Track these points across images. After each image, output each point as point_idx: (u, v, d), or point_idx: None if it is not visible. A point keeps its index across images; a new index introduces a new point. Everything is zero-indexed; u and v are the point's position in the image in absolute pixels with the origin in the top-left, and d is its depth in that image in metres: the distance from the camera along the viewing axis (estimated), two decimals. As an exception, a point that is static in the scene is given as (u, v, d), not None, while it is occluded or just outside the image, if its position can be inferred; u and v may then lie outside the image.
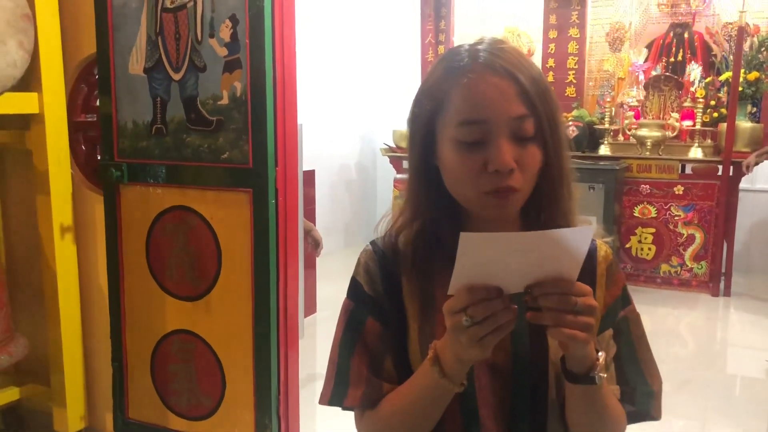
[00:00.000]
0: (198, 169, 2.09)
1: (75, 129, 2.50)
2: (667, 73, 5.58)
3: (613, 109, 5.65)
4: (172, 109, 2.11)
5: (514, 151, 0.85)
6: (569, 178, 0.92)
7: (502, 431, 0.94)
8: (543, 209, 0.93)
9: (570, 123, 5.41)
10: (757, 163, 4.82)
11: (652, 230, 5.30)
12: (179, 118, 2.10)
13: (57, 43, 2.38)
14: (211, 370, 2.18)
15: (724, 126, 5.08)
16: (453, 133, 0.87)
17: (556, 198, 0.92)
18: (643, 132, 5.32)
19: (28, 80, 2.34)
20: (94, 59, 2.29)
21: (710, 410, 3.25)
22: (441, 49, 6.39)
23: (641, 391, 0.98)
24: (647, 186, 5.29)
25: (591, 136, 5.56)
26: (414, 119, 0.94)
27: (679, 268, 5.27)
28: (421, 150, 0.93)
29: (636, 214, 5.33)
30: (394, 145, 6.23)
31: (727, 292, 5.13)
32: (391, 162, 6.39)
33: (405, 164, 5.83)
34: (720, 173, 5.13)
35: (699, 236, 5.18)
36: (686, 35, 5.59)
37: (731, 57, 5.20)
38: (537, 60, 5.75)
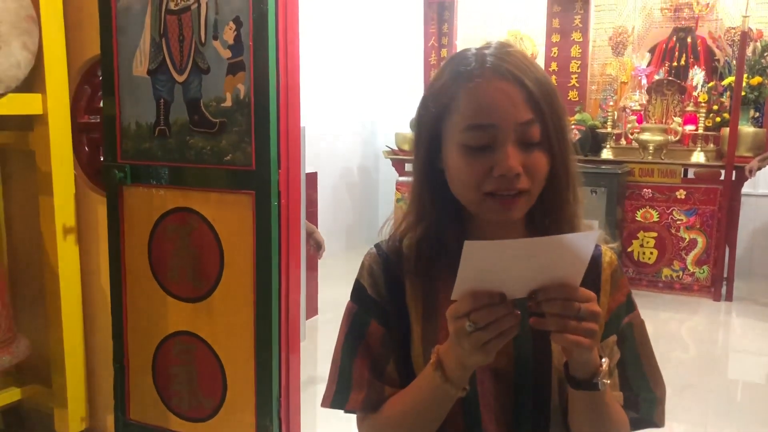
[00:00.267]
0: (201, 171, 2.10)
1: (78, 130, 2.50)
2: (670, 78, 5.58)
3: (616, 113, 5.65)
4: (175, 111, 2.11)
5: (520, 156, 0.85)
6: (575, 183, 0.92)
7: (504, 436, 0.94)
8: (548, 213, 0.93)
9: (572, 127, 5.41)
10: (759, 168, 4.81)
11: (654, 234, 5.30)
12: (182, 120, 2.10)
13: (61, 44, 2.39)
14: (212, 372, 2.18)
15: (726, 130, 5.08)
16: (459, 138, 0.87)
17: (562, 202, 0.92)
18: (645, 136, 5.32)
19: (32, 81, 2.34)
20: (98, 61, 2.30)
21: (711, 415, 3.24)
22: (444, 52, 6.40)
23: (644, 397, 0.98)
24: (649, 190, 5.28)
25: (593, 140, 5.55)
26: (420, 122, 0.94)
27: (681, 273, 5.26)
28: (427, 153, 0.93)
29: (638, 218, 5.33)
30: (396, 148, 6.24)
31: (729, 297, 5.12)
32: (393, 165, 6.39)
33: (407, 167, 5.83)
34: (722, 178, 5.12)
35: (701, 241, 5.18)
36: (689, 40, 5.58)
37: (734, 61, 5.19)
38: (539, 64, 5.74)
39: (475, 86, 0.86)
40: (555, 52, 5.90)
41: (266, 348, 2.07)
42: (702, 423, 3.17)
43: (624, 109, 5.64)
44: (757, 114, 5.26)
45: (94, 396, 2.61)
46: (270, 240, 2.02)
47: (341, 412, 0.99)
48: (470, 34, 6.30)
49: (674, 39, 5.64)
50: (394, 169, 6.42)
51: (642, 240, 5.33)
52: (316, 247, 3.31)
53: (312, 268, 4.25)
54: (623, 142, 5.64)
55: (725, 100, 5.35)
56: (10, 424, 2.70)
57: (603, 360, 0.85)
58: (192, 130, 2.09)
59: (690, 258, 5.22)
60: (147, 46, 2.13)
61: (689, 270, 5.23)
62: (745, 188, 5.32)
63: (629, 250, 5.37)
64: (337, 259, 5.80)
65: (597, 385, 0.84)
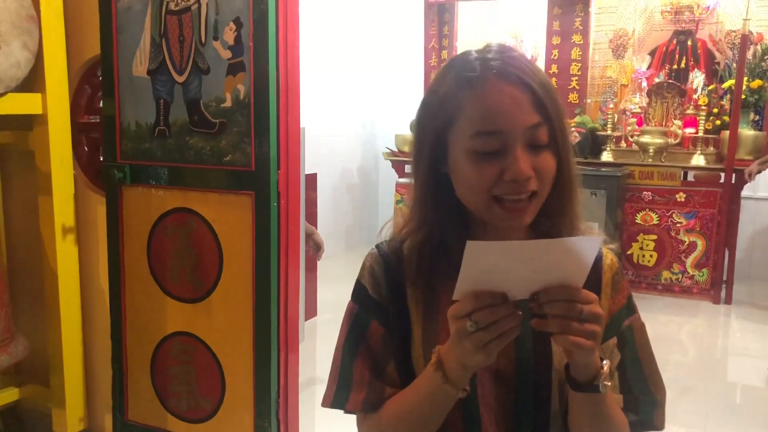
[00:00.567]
0: (200, 171, 2.09)
1: (78, 130, 2.50)
2: (670, 81, 5.59)
3: (616, 115, 5.65)
4: (175, 111, 2.11)
5: (530, 159, 0.85)
6: (577, 184, 0.93)
7: (504, 438, 0.94)
8: (550, 215, 0.93)
9: (573, 129, 5.41)
10: (759, 171, 4.81)
11: (654, 237, 5.30)
12: (182, 121, 2.10)
13: (61, 44, 2.38)
14: (211, 373, 2.18)
15: (726, 134, 5.08)
16: (468, 144, 0.87)
17: (565, 203, 0.92)
18: (645, 139, 5.32)
19: (32, 81, 2.34)
20: (98, 61, 2.30)
21: (710, 418, 3.24)
22: (444, 54, 6.40)
23: (645, 400, 0.98)
24: (649, 193, 5.29)
25: (593, 143, 5.56)
26: (422, 128, 0.93)
27: (680, 276, 5.26)
28: (430, 159, 0.92)
29: (638, 221, 5.33)
30: (396, 150, 6.24)
31: (729, 300, 5.12)
32: (393, 166, 6.39)
33: (407, 168, 5.82)
34: (722, 181, 5.13)
35: (701, 243, 5.18)
36: (689, 43, 5.59)
37: (734, 65, 5.20)
38: (540, 66, 5.76)
39: (482, 92, 0.86)
40: (555, 55, 5.90)
41: (265, 349, 2.06)
42: (701, 425, 3.17)
43: (624, 111, 5.64)
44: (757, 117, 5.26)
45: (93, 396, 2.60)
46: (269, 241, 2.02)
47: (341, 412, 0.99)
48: (470, 36, 6.31)
49: (674, 42, 5.65)
50: (393, 170, 6.43)
51: (642, 243, 5.33)
52: (315, 248, 3.31)
53: (311, 269, 4.25)
54: (623, 144, 5.64)
55: (725, 103, 5.36)
56: (8, 424, 2.70)
57: (604, 362, 0.85)
58: (192, 130, 2.09)
59: (689, 261, 5.22)
60: (147, 47, 2.13)
61: (689, 273, 5.23)
62: (745, 191, 5.33)
63: (629, 252, 5.37)
64: (336, 260, 5.81)
65: (598, 387, 0.84)
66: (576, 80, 5.86)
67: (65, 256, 2.46)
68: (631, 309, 1.00)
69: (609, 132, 5.57)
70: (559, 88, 5.71)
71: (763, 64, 5.13)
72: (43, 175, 2.41)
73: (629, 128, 5.59)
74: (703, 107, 5.30)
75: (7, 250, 2.68)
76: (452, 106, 0.88)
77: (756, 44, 5.17)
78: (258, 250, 2.03)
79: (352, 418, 1.00)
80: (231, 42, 1.98)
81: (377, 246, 1.01)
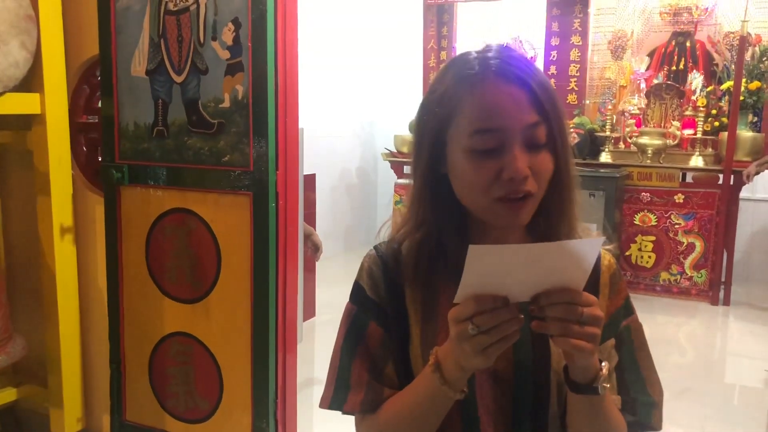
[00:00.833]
0: (199, 171, 2.09)
1: (76, 130, 2.50)
2: (669, 82, 5.59)
3: (615, 116, 5.66)
4: (173, 112, 2.11)
5: (527, 159, 0.85)
6: (575, 184, 0.93)
7: (502, 440, 0.94)
8: (549, 215, 0.93)
9: (571, 130, 5.41)
10: (757, 173, 4.82)
11: (652, 238, 5.30)
12: (181, 121, 2.10)
13: (60, 44, 2.38)
14: (208, 373, 2.18)
15: (725, 135, 5.08)
16: (466, 142, 0.87)
17: (563, 204, 0.92)
18: (644, 140, 5.33)
19: (31, 81, 2.34)
20: (97, 61, 2.29)
21: (708, 419, 3.24)
22: (443, 54, 6.41)
23: (642, 401, 0.98)
24: (648, 194, 5.29)
25: (592, 144, 5.56)
26: (421, 128, 0.93)
27: (678, 277, 5.26)
28: (429, 159, 0.92)
29: (636, 222, 5.33)
30: (395, 150, 6.24)
31: (727, 301, 5.12)
32: (392, 167, 6.39)
33: (406, 169, 5.82)
34: (720, 182, 5.13)
35: (699, 245, 5.18)
36: (688, 44, 5.60)
37: (733, 66, 5.21)
38: (539, 67, 5.76)
39: (481, 90, 0.86)
40: (554, 56, 5.90)
41: (263, 349, 2.06)
42: (699, 426, 3.17)
43: (623, 112, 5.65)
44: (756, 119, 5.27)
45: (91, 396, 2.60)
46: (268, 241, 2.01)
47: (338, 413, 0.99)
48: (469, 37, 6.31)
49: (673, 43, 5.65)
50: (392, 171, 6.43)
51: (640, 244, 5.34)
52: (313, 249, 3.31)
53: (309, 269, 4.25)
54: (622, 145, 5.65)
55: (724, 104, 5.36)
56: (6, 424, 2.69)
57: (603, 364, 0.85)
58: (190, 130, 2.09)
59: (688, 262, 5.22)
60: (146, 47, 2.13)
61: (687, 274, 5.23)
62: (743, 192, 5.33)
63: (627, 253, 5.37)
64: (335, 261, 5.81)
65: (597, 389, 0.84)
66: (575, 81, 5.86)
67: (63, 256, 2.46)
68: (628, 310, 1.00)
69: (607, 133, 5.57)
70: (558, 90, 5.67)
71: (761, 65, 5.13)
72: (41, 175, 2.41)
73: (628, 129, 5.60)
74: (702, 108, 5.31)
75: (5, 250, 2.67)
76: (451, 104, 0.88)
77: (754, 46, 5.18)
78: (256, 251, 2.03)
79: (350, 419, 1.00)
80: (229, 42, 1.98)
81: (375, 247, 1.01)
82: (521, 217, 0.88)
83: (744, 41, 4.97)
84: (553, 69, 5.88)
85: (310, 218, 4.43)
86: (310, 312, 4.42)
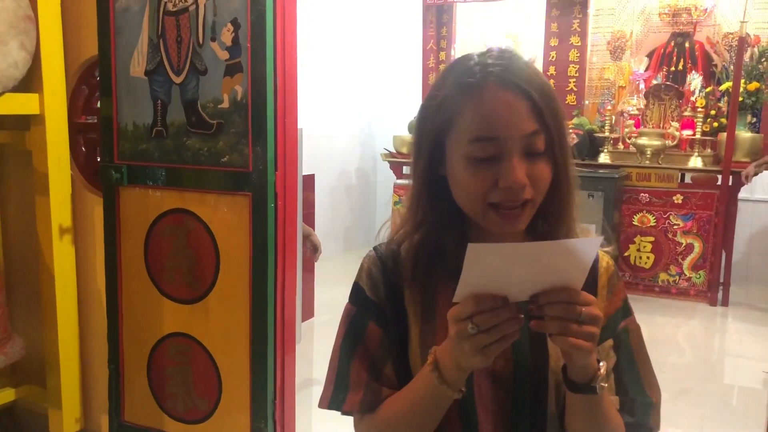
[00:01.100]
0: (198, 172, 2.09)
1: (75, 130, 2.50)
2: (668, 83, 5.59)
3: (614, 117, 5.66)
4: (172, 112, 2.11)
5: (525, 167, 0.85)
6: (574, 187, 0.93)
7: (501, 439, 0.94)
8: (547, 217, 0.93)
9: (570, 131, 5.41)
10: (756, 173, 4.82)
11: (651, 239, 5.30)
12: (180, 121, 2.10)
13: (59, 44, 2.38)
14: (207, 374, 2.18)
15: (723, 136, 5.09)
16: (465, 149, 0.87)
17: (562, 208, 0.93)
18: (643, 141, 5.33)
19: (29, 81, 2.34)
20: (96, 61, 2.29)
21: (707, 419, 3.24)
22: (442, 55, 6.41)
23: (640, 402, 0.98)
24: (646, 195, 5.29)
25: (591, 144, 5.56)
26: (421, 131, 0.94)
27: (677, 277, 5.27)
28: (428, 161, 0.93)
29: (635, 223, 5.33)
30: (394, 151, 6.24)
31: (725, 302, 5.12)
32: (391, 167, 6.39)
33: (405, 170, 5.82)
34: (719, 183, 5.13)
35: (698, 245, 5.18)
36: (687, 45, 5.60)
37: (732, 67, 5.21)
38: (537, 68, 5.76)
39: (479, 98, 0.86)
40: (553, 56, 5.90)
41: (262, 350, 2.06)
42: (698, 427, 3.17)
43: (622, 113, 5.65)
44: (754, 119, 5.27)
45: (89, 397, 2.60)
46: (266, 242, 2.01)
47: (337, 414, 0.99)
48: (469, 38, 6.32)
49: (672, 44, 5.66)
50: (391, 171, 6.43)
51: (639, 244, 5.34)
52: (312, 250, 3.31)
53: (308, 270, 4.25)
54: (621, 146, 5.65)
55: (723, 105, 5.37)
56: (4, 424, 2.69)
57: (601, 363, 0.85)
58: (189, 131, 2.09)
59: (686, 263, 5.22)
60: (145, 47, 2.13)
61: (686, 275, 5.23)
62: (742, 193, 5.33)
63: (626, 254, 5.37)
64: (334, 262, 5.81)
65: (595, 389, 0.84)
66: (574, 82, 5.86)
67: (62, 257, 2.45)
68: (626, 311, 1.00)
69: (606, 134, 5.57)
70: (556, 90, 5.66)
71: (760, 66, 5.14)
72: (40, 176, 2.41)
73: (627, 130, 5.60)
74: (701, 109, 5.31)
75: (3, 251, 2.67)
76: (450, 110, 0.88)
77: (753, 46, 5.18)
78: (255, 251, 2.03)
79: (349, 420, 1.01)
80: (228, 43, 1.98)
81: (375, 248, 1.02)
82: (518, 224, 0.88)
83: (743, 42, 4.97)
84: (552, 70, 5.88)
85: (309, 219, 4.43)
86: (308, 312, 4.42)
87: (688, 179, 5.38)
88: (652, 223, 5.29)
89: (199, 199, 2.12)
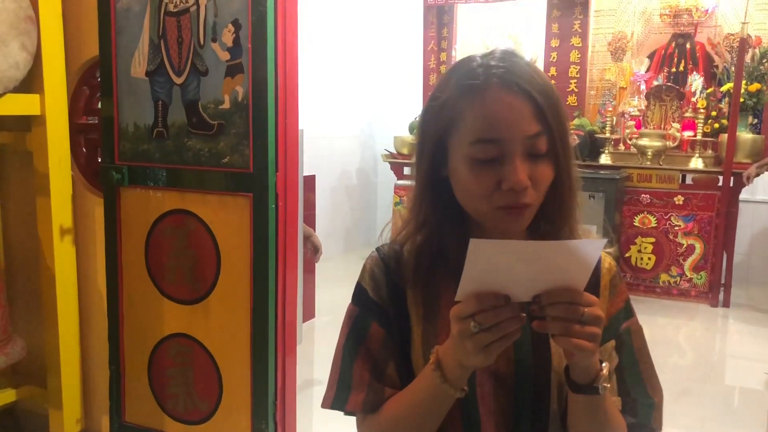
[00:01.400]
0: (198, 172, 2.09)
1: (76, 131, 2.50)
2: (669, 84, 5.59)
3: (615, 118, 5.66)
4: (173, 113, 2.11)
5: (527, 169, 0.85)
6: (576, 188, 0.93)
7: (503, 439, 0.94)
8: (549, 218, 0.93)
9: (572, 132, 5.41)
10: (757, 175, 4.81)
11: (652, 240, 5.30)
12: (180, 122, 2.10)
13: (59, 45, 2.38)
14: (208, 375, 2.18)
15: (724, 137, 5.09)
16: (467, 150, 0.87)
17: (564, 209, 0.93)
18: (644, 141, 5.33)
19: (30, 82, 2.34)
20: (97, 62, 2.29)
21: (708, 421, 3.24)
22: (443, 56, 6.41)
23: (642, 402, 0.98)
24: (647, 195, 5.29)
25: (592, 145, 5.56)
26: (423, 133, 0.94)
27: (678, 278, 5.26)
28: (431, 163, 0.93)
29: (636, 224, 5.33)
30: (395, 152, 6.24)
31: (727, 303, 5.12)
32: (392, 168, 6.39)
33: (406, 170, 5.81)
34: (720, 184, 5.13)
35: (699, 246, 5.18)
36: (688, 46, 5.60)
37: (733, 68, 5.21)
38: (541, 71, 5.76)
39: (482, 100, 0.86)
40: (554, 57, 5.91)
41: (263, 351, 2.06)
42: (699, 428, 3.17)
43: (623, 114, 5.65)
44: (756, 120, 5.27)
45: (90, 398, 2.60)
46: (267, 243, 2.01)
47: (338, 415, 0.99)
48: (470, 38, 6.31)
49: (673, 45, 5.65)
50: (392, 172, 6.43)
51: (640, 245, 5.34)
52: (313, 251, 3.31)
53: (309, 270, 4.25)
54: (622, 147, 5.65)
55: (724, 106, 5.36)
56: (5, 425, 2.69)
57: (603, 364, 0.85)
58: (190, 132, 2.09)
59: (688, 264, 5.22)
60: (146, 48, 2.13)
61: (687, 276, 5.23)
62: (743, 194, 5.33)
63: (627, 255, 5.37)
64: (334, 262, 5.81)
65: (597, 389, 0.84)
66: (575, 83, 5.86)
67: (63, 258, 2.45)
68: (628, 312, 1.00)
69: (607, 135, 5.57)
70: (557, 91, 5.71)
71: (761, 67, 5.13)
72: (41, 176, 2.41)
73: (628, 131, 5.60)
74: (702, 110, 5.31)
75: (4, 251, 2.67)
76: (453, 112, 0.89)
77: (754, 47, 5.18)
78: (256, 252, 2.03)
79: (350, 420, 1.01)
80: (229, 44, 1.98)
81: (378, 249, 1.02)
82: (520, 224, 0.89)
83: (744, 43, 4.97)
84: (553, 70, 5.88)
85: (310, 219, 4.43)
86: (309, 313, 4.42)
87: (689, 180, 5.38)
88: (653, 224, 5.29)
89: (199, 200, 2.12)
